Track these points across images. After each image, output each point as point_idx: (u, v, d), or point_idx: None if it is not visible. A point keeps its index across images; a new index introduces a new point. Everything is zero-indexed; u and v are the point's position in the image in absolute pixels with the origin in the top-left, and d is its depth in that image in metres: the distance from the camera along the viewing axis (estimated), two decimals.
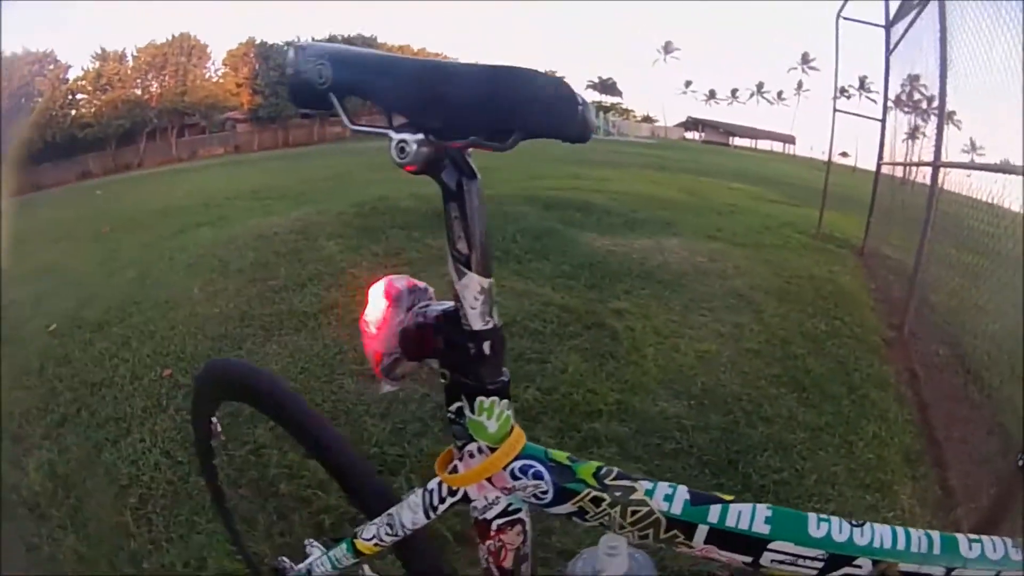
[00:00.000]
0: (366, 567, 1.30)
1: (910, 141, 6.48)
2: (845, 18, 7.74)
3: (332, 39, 39.04)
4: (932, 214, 3.99)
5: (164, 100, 32.90)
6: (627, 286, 4.30)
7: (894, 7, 6.67)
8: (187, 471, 2.56)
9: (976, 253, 3.39)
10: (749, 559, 0.55)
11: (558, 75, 0.58)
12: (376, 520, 0.90)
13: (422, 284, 0.76)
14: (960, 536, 0.51)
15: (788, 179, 17.41)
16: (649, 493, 0.59)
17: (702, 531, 0.56)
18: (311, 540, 1.33)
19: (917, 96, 6.42)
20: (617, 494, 0.61)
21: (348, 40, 39.70)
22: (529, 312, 3.69)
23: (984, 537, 0.50)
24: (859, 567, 0.52)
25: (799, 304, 4.39)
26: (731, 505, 0.57)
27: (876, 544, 0.52)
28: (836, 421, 2.82)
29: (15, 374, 3.77)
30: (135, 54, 33.30)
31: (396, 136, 0.59)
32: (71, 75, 30.97)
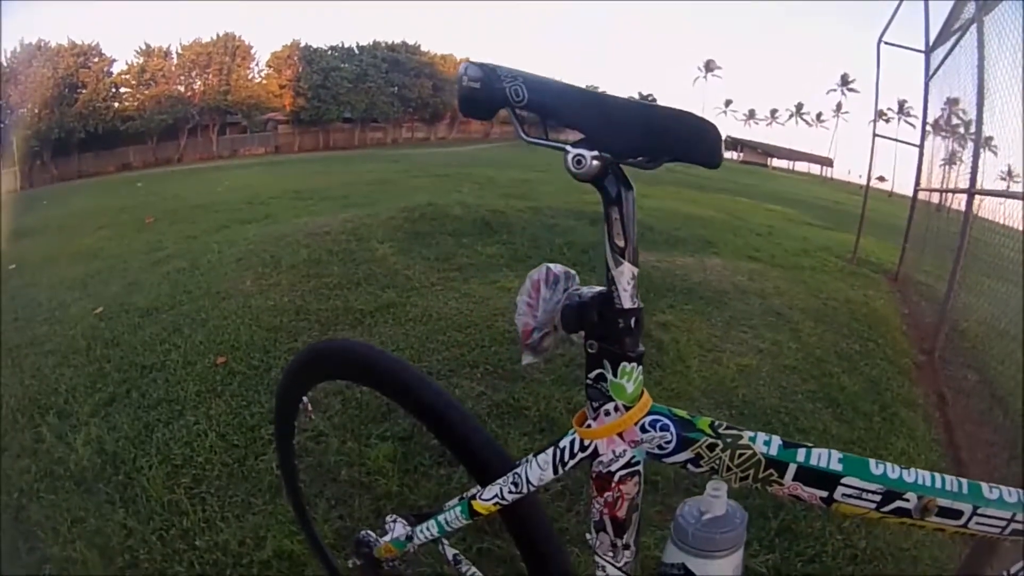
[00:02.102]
0: (446, 542, 1.44)
1: (947, 167, 7.03)
2: (886, 43, 8.15)
3: (376, 45, 40.41)
4: (965, 242, 4.34)
5: (207, 98, 34.18)
6: (671, 301, 4.67)
7: (935, 33, 7.03)
8: (243, 454, 2.74)
9: (1007, 281, 3.70)
10: (825, 494, 0.73)
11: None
12: (498, 480, 1.04)
13: (572, 271, 0.93)
14: (983, 483, 0.69)
15: (824, 202, 17.60)
16: (752, 439, 0.78)
17: (792, 469, 0.75)
18: (393, 516, 1.42)
19: (955, 121, 6.86)
20: (728, 440, 0.79)
21: (392, 47, 40.95)
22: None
23: (1003, 487, 0.69)
24: (907, 500, 0.70)
25: (835, 325, 4.80)
26: (812, 449, 0.76)
27: (920, 482, 0.70)
28: (867, 436, 3.13)
29: (61, 352, 4.04)
30: (179, 51, 34.78)
31: (574, 150, 0.78)
32: (115, 69, 32.42)
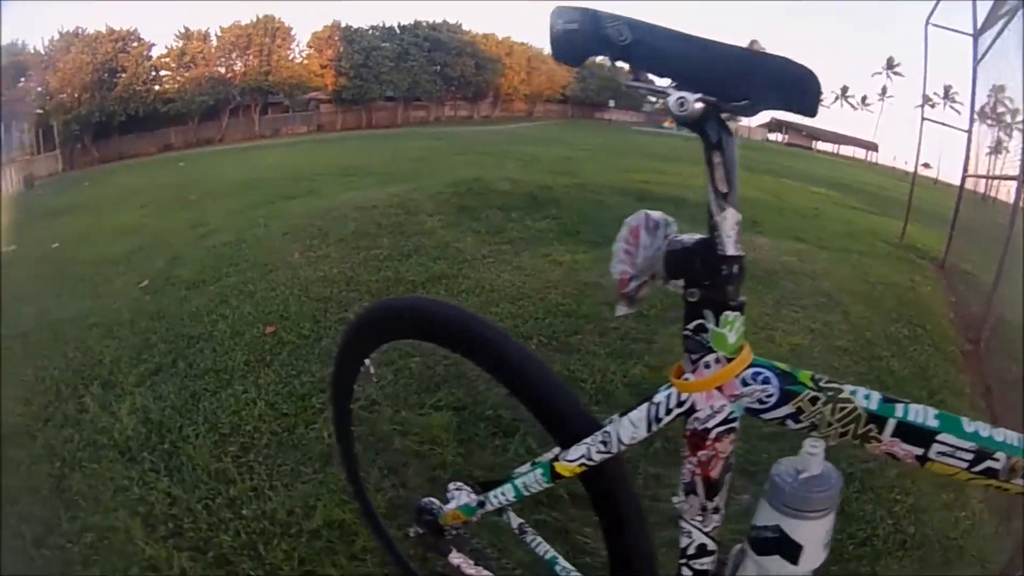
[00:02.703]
0: (511, 511, 1.43)
1: (993, 156, 7.10)
2: (934, 24, 8.06)
3: (417, 25, 40.53)
4: (1013, 232, 4.41)
5: (247, 79, 34.73)
6: None
7: (983, 15, 6.89)
8: (293, 423, 2.74)
9: None
10: (921, 451, 0.74)
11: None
12: (585, 440, 1.03)
13: (670, 218, 0.94)
14: None
15: (870, 187, 17.54)
16: (852, 393, 0.79)
17: (891, 425, 0.76)
18: (457, 483, 1.42)
19: (1001, 109, 6.91)
20: (829, 393, 0.79)
21: (433, 26, 41.01)
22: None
23: None
24: (997, 460, 0.71)
25: (883, 309, 4.85)
26: (910, 405, 0.77)
27: (1009, 443, 0.71)
28: None
29: (105, 325, 4.13)
30: (219, 34, 35.41)
31: (677, 93, 0.78)
32: (154, 53, 33.15)
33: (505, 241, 5.42)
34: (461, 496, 1.39)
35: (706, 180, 0.81)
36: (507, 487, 1.20)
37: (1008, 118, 6.70)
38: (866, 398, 0.78)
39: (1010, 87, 6.05)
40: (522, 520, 1.47)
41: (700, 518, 0.95)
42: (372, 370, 1.50)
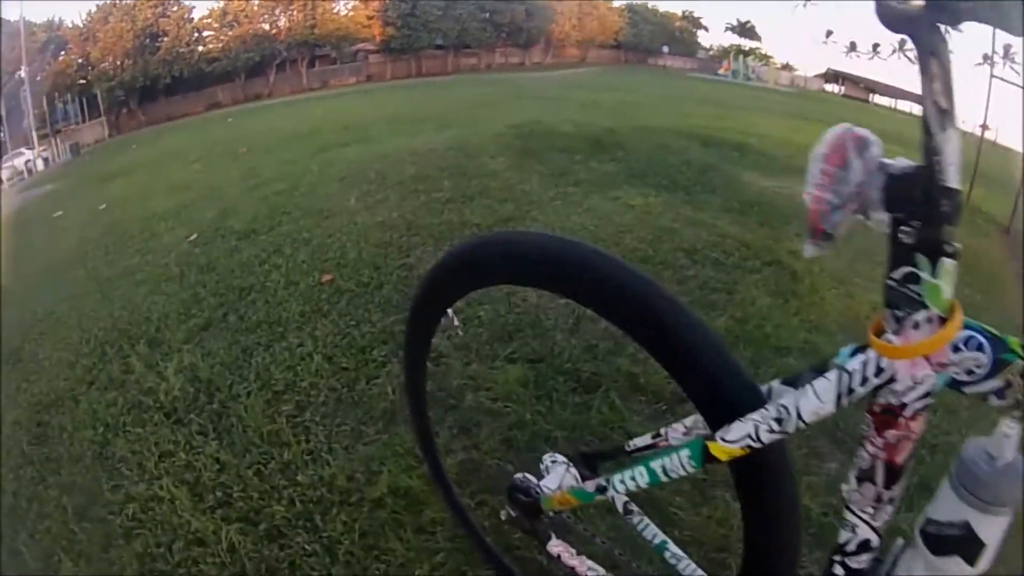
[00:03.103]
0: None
1: None
2: None
3: None
4: None
5: (293, 34, 34.94)
6: (797, 229, 4.54)
7: None
8: (353, 378, 2.58)
9: None
10: None
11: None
12: (752, 416, 0.86)
13: (875, 136, 0.77)
14: None
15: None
16: None
17: None
18: (553, 455, 1.31)
19: None
20: None
21: None
22: (708, 242, 3.95)
23: None
24: None
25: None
26: None
27: None
28: None
29: (153, 281, 4.08)
30: None
31: None
32: (195, 15, 33.56)
33: (571, 183, 5.20)
34: (558, 470, 1.27)
35: (923, 95, 0.67)
36: (639, 470, 1.02)
37: None
38: None
39: None
40: (627, 499, 1.34)
41: (872, 510, 0.82)
42: (456, 321, 1.35)
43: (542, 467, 1.31)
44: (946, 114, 0.68)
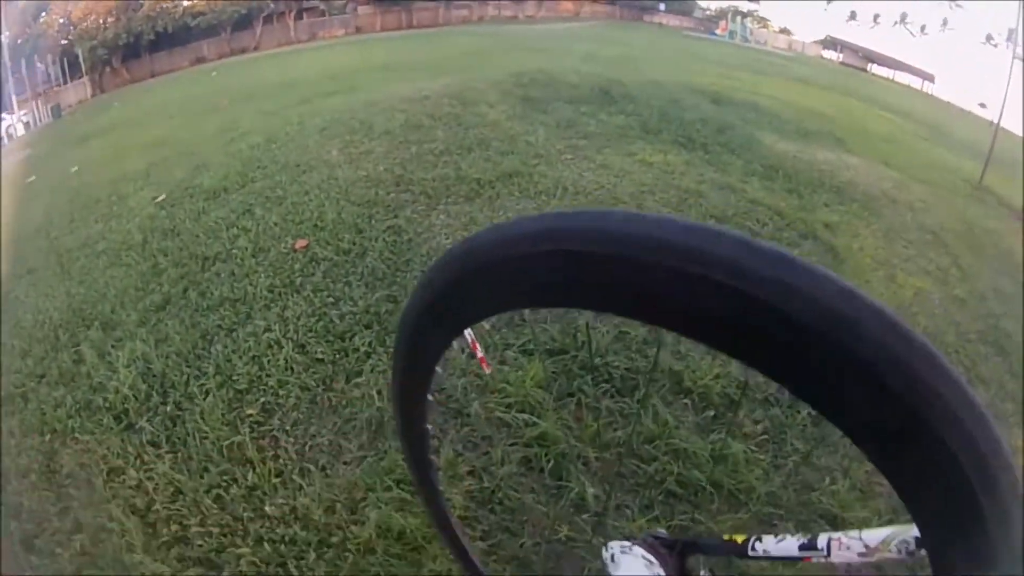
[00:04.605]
0: None
1: None
2: None
3: None
4: None
5: None
6: (825, 198, 4.55)
7: None
8: (330, 373, 2.17)
9: None
10: None
11: None
12: None
13: None
14: None
15: (929, 120, 16.97)
16: None
17: None
18: (623, 544, 0.90)
19: None
20: None
21: None
22: (739, 209, 3.83)
23: None
24: None
25: (985, 257, 4.74)
26: None
27: None
28: None
29: (114, 251, 3.68)
30: None
31: None
32: None
33: (581, 136, 4.90)
34: (633, 565, 0.87)
35: None
36: None
37: None
38: None
39: None
40: None
41: None
42: (480, 353, 1.10)
43: (605, 556, 0.91)
44: None
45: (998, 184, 8.19)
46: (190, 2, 30.77)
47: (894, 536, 0.73)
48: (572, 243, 0.53)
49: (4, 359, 2.86)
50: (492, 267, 0.61)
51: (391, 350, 1.95)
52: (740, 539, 0.85)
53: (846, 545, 0.76)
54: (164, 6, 29.76)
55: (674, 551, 0.87)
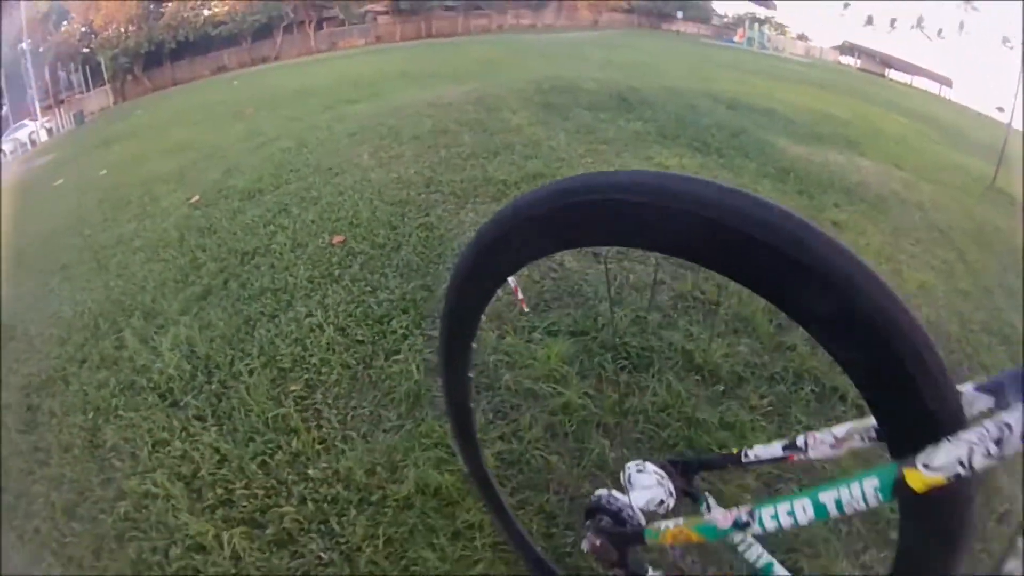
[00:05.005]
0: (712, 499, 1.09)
1: None
2: None
3: None
4: None
5: None
6: (835, 199, 4.62)
7: None
8: (370, 352, 2.31)
9: None
10: None
11: None
12: (967, 436, 0.69)
13: None
14: None
15: (945, 124, 16.88)
16: None
17: None
18: (639, 463, 1.07)
19: None
20: None
21: None
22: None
23: None
24: None
25: (992, 253, 4.76)
26: None
27: None
28: None
29: (151, 247, 3.84)
30: None
31: None
32: None
33: (601, 141, 5.00)
34: (646, 482, 1.04)
35: None
36: (802, 504, 0.81)
37: None
38: None
39: None
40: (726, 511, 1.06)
41: None
42: (520, 295, 1.20)
43: (625, 479, 1.06)
44: None
45: (1011, 185, 8.24)
46: (211, 11, 31.19)
47: (856, 428, 0.87)
48: (597, 195, 0.77)
49: (41, 347, 2.99)
50: (536, 217, 0.84)
51: (431, 327, 2.12)
52: (735, 451, 1.00)
53: (820, 440, 0.90)
54: (185, 15, 30.17)
55: (680, 468, 1.04)
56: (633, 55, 14.45)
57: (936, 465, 0.70)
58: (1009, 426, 0.66)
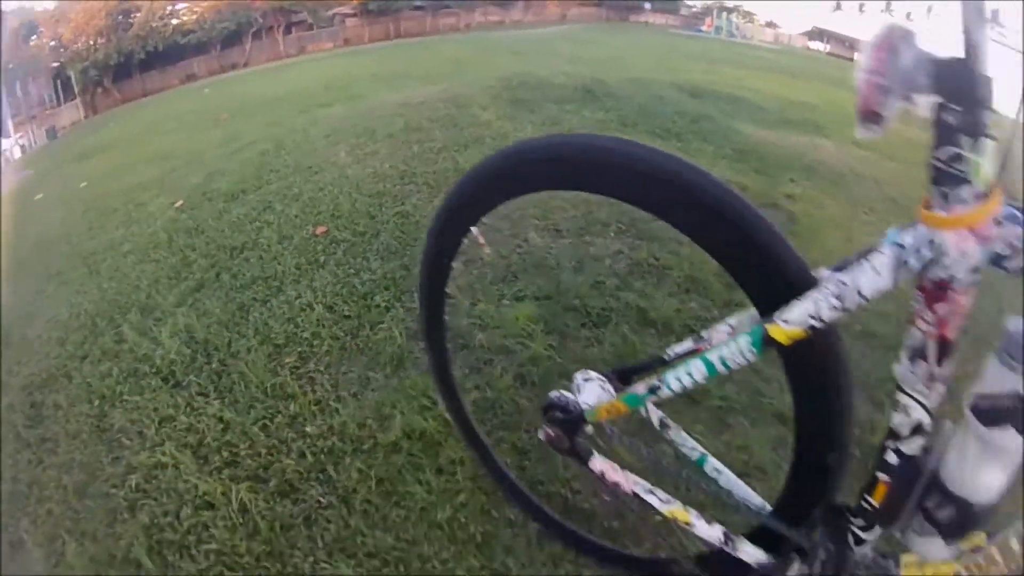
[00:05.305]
0: (650, 404, 1.30)
1: None
2: None
3: None
4: None
5: (268, 0, 34.76)
6: (793, 176, 4.75)
7: None
8: (356, 325, 2.54)
9: None
10: None
11: None
12: (812, 294, 0.90)
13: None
14: None
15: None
16: None
17: None
18: (585, 372, 1.32)
19: None
20: None
21: None
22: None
23: None
24: None
25: None
26: None
27: None
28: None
29: (141, 250, 3.99)
30: None
31: None
32: None
33: (565, 131, 5.17)
34: (591, 387, 1.28)
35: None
36: (695, 364, 1.03)
37: None
38: None
39: None
40: (663, 414, 1.36)
41: (925, 389, 0.87)
42: (482, 240, 1.33)
43: (574, 386, 1.30)
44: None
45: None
46: (180, 20, 30.99)
47: (745, 316, 1.08)
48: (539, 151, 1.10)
49: (40, 349, 3.09)
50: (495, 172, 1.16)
51: (411, 301, 2.35)
52: (661, 355, 1.22)
53: (720, 331, 1.11)
54: (154, 25, 29.99)
55: (619, 375, 1.29)
56: (602, 49, 14.73)
57: (792, 319, 0.90)
58: (846, 284, 0.87)
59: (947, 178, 0.79)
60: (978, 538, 0.94)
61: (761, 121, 6.81)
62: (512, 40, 18.90)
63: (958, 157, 0.78)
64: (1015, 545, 0.90)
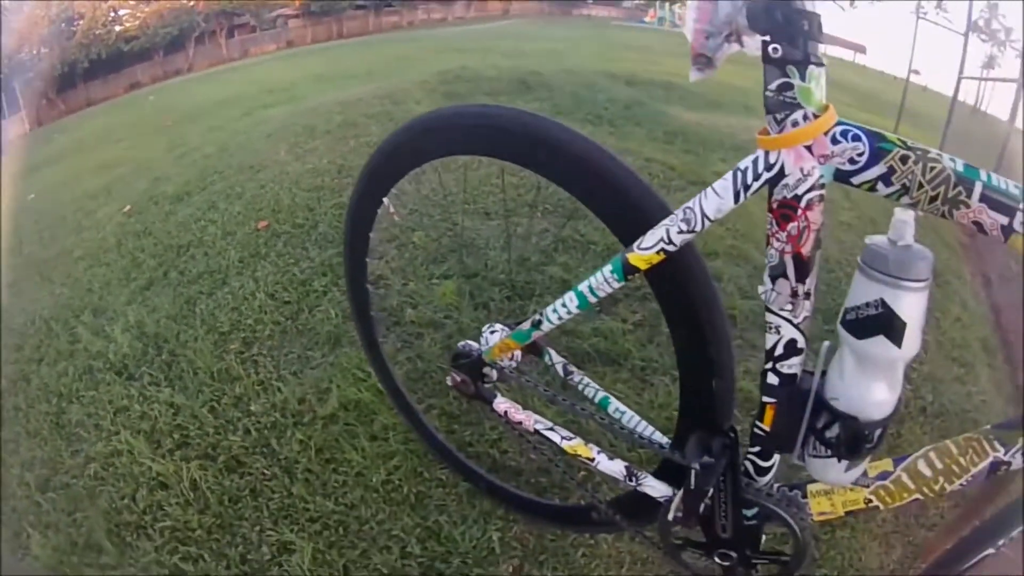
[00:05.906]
0: (553, 353, 1.46)
1: (986, 70, 7.94)
2: None
3: None
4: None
5: (210, 3, 34.13)
6: (722, 155, 4.87)
7: None
8: (296, 310, 2.67)
9: None
10: (1006, 220, 0.76)
11: None
12: (663, 222, 1.01)
13: None
14: None
15: (858, 88, 17.54)
16: (939, 155, 0.80)
17: (977, 188, 0.77)
18: (491, 325, 1.42)
19: (995, 26, 7.72)
20: (919, 152, 0.80)
21: None
22: (633, 166, 4.18)
23: None
24: None
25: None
26: (991, 172, 0.78)
27: None
28: None
29: (91, 255, 4.06)
30: None
31: None
32: None
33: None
34: (495, 336, 1.38)
35: None
36: (568, 297, 1.16)
37: (1002, 35, 7.42)
38: (952, 160, 0.79)
39: (1003, 5, 6.79)
40: (565, 360, 1.45)
41: (790, 307, 0.93)
42: (392, 209, 1.46)
43: (483, 338, 1.42)
44: None
45: (914, 136, 8.64)
46: (122, 27, 30.28)
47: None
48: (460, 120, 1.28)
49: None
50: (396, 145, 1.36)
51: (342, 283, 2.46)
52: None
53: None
54: (97, 32, 29.27)
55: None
56: (541, 43, 14.83)
57: (646, 245, 1.00)
58: (692, 209, 0.96)
59: (778, 105, 0.86)
60: (884, 463, 1.01)
61: (692, 104, 6.97)
62: (453, 37, 18.90)
63: (787, 86, 0.85)
64: (924, 469, 0.96)
